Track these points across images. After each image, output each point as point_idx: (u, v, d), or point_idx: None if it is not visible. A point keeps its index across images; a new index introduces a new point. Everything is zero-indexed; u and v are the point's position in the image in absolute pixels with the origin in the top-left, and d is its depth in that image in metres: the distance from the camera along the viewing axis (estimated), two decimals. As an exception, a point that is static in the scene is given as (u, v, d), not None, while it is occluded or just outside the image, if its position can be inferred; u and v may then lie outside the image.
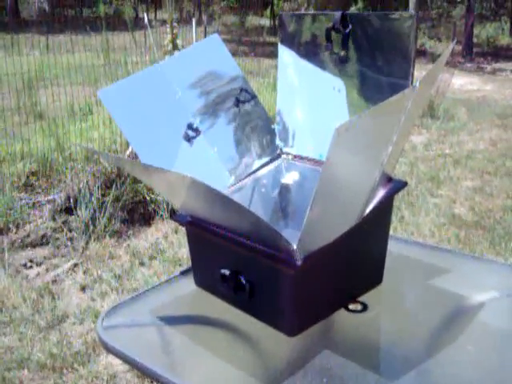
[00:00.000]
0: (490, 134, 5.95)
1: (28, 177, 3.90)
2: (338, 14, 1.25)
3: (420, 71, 1.10)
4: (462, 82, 9.44)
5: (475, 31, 13.98)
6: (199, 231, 1.15)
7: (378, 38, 1.21)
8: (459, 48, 12.61)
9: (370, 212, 1.08)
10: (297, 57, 1.37)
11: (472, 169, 4.76)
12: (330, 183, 0.89)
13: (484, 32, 15.50)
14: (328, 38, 1.28)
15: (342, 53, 1.27)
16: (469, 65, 11.71)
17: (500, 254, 3.17)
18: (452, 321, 1.09)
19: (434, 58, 10.60)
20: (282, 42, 1.38)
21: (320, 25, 1.32)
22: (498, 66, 11.86)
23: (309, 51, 1.35)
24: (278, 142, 1.38)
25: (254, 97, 1.37)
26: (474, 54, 12.71)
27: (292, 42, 1.38)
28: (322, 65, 1.32)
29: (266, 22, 17.13)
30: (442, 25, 15.30)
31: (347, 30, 1.23)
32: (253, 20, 17.53)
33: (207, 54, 1.35)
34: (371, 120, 0.86)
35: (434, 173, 4.63)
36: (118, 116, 1.20)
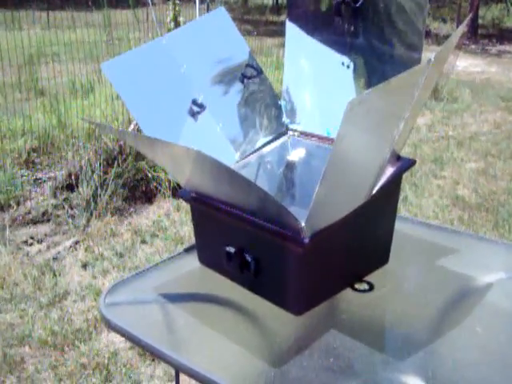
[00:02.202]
0: (494, 117, 5.90)
1: (29, 153, 3.88)
2: (348, -13, 1.22)
3: (425, 52, 1.08)
4: (467, 64, 9.36)
5: (480, 12, 13.83)
6: (204, 207, 1.13)
7: (388, 12, 1.18)
8: (464, 29, 12.48)
9: (379, 190, 1.06)
10: (305, 32, 1.34)
11: (476, 151, 4.72)
12: (341, 158, 0.87)
13: (489, 13, 15.34)
14: (337, 13, 1.25)
15: (352, 28, 1.24)
16: (473, 46, 11.60)
17: (504, 236, 3.16)
18: (459, 301, 1.08)
19: (438, 39, 10.50)
20: (290, 17, 1.35)
21: (329, -1, 1.28)
22: (502, 48, 11.75)
23: (317, 26, 1.32)
24: (284, 118, 1.36)
25: (260, 72, 1.35)
26: (479, 36, 12.60)
27: (300, 17, 1.35)
28: (330, 40, 1.29)
29: (268, 0, 16.96)
30: (447, 6, 15.14)
31: (358, 4, 1.20)
32: (256, -2, 17.37)
33: (213, 27, 1.32)
34: (384, 95, 0.84)
35: (438, 154, 4.60)
36: (121, 89, 1.18)
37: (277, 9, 14.87)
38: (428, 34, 11.39)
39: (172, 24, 4.29)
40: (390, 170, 1.09)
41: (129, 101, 1.19)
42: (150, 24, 4.99)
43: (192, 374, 0.91)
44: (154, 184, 3.66)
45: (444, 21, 13.63)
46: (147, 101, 1.20)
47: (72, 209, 3.36)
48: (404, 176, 1.16)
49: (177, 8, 4.33)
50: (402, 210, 3.43)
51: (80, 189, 3.40)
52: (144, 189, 3.66)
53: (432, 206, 3.58)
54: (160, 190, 3.65)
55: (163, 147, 0.97)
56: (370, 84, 1.25)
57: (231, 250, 1.08)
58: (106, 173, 3.48)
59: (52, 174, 3.62)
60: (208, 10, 6.27)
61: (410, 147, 4.74)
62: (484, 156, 4.60)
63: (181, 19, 4.33)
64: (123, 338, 1.09)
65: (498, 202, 3.66)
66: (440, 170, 4.28)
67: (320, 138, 1.30)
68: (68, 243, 3.08)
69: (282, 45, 1.38)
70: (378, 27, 1.20)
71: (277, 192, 1.32)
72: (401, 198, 3.56)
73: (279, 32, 1.42)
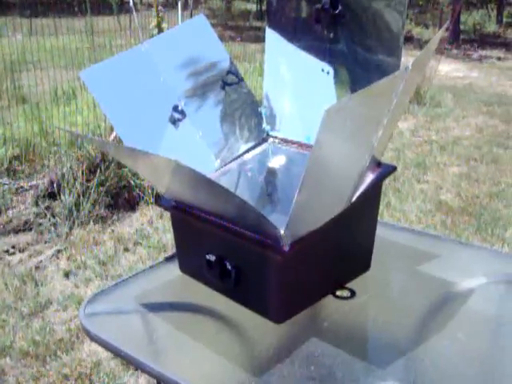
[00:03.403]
0: (476, 121, 5.95)
1: (10, 161, 3.84)
2: (327, -6, 1.22)
3: (406, 57, 1.08)
4: (449, 69, 9.44)
5: (462, 18, 13.96)
6: (184, 216, 1.12)
7: (367, 19, 1.18)
8: (446, 34, 12.59)
9: (359, 197, 1.05)
10: (284, 39, 1.34)
11: (458, 155, 4.76)
12: (319, 166, 0.87)
13: (471, 19, 15.49)
14: (317, 20, 1.25)
15: (331, 34, 1.24)
16: (455, 51, 11.71)
17: (486, 240, 3.17)
18: (441, 307, 1.08)
19: (420, 44, 10.58)
20: (270, 24, 1.35)
21: (309, 6, 1.28)
22: (484, 53, 11.87)
23: (297, 33, 1.32)
24: (264, 125, 1.35)
25: (240, 80, 1.34)
26: (461, 41, 12.71)
27: (280, 23, 1.34)
28: (310, 47, 1.29)
29: (252, 6, 17.00)
30: (429, 11, 15.27)
31: (337, 11, 1.20)
32: (239, 4, 17.41)
33: (193, 34, 1.32)
34: (362, 102, 0.84)
35: (421, 159, 4.63)
36: (100, 97, 1.17)
37: (260, 14, 14.92)
38: (410, 39, 11.49)
39: (155, 31, 4.28)
40: (370, 177, 1.09)
41: (108, 109, 1.18)
42: (133, 31, 4.98)
43: (172, 385, 0.90)
44: (137, 191, 3.64)
45: (426, 26, 13.76)
46: (127, 109, 1.19)
47: (54, 217, 3.33)
48: (387, 181, 1.16)
49: (160, 15, 4.32)
50: (386, 215, 3.44)
51: (62, 197, 3.37)
52: (127, 196, 3.63)
53: (415, 210, 3.59)
54: (143, 198, 3.63)
55: (143, 158, 0.96)
56: (349, 90, 1.25)
57: (211, 258, 1.07)
58: (88, 180, 3.46)
59: (34, 183, 3.59)
60: (192, 16, 6.27)
61: (394, 152, 4.76)
62: (466, 160, 4.63)
63: (164, 26, 4.32)
64: (105, 348, 1.08)
65: (481, 206, 3.68)
66: (423, 174, 4.30)
67: (300, 144, 1.30)
68: (50, 252, 3.05)
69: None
70: (356, 33, 1.21)
71: (258, 199, 1.31)
72: (384, 203, 3.57)
73: (263, 38, 1.43)
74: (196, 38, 1.32)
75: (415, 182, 4.11)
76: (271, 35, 1.35)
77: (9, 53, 4.35)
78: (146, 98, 1.23)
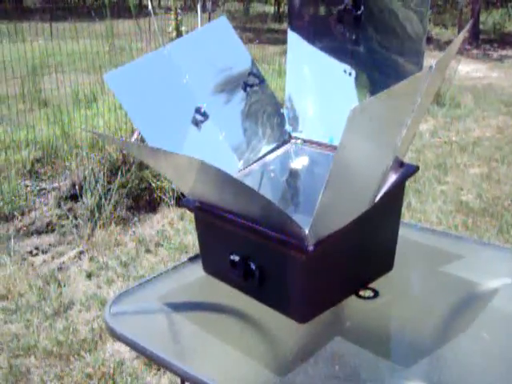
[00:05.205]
0: (496, 121, 5.90)
1: (33, 164, 3.89)
2: (349, -5, 1.22)
3: (426, 58, 1.08)
4: (469, 69, 9.36)
5: (481, 18, 13.84)
6: (208, 216, 1.13)
7: (389, 20, 1.19)
8: (466, 35, 12.46)
9: (383, 197, 1.06)
10: (306, 40, 1.34)
11: (479, 156, 4.72)
12: (344, 166, 0.87)
13: (490, 18, 15.34)
14: (340, 20, 1.26)
15: (354, 36, 1.24)
16: (475, 52, 11.60)
17: (508, 241, 3.15)
18: (464, 307, 1.08)
19: (440, 44, 10.51)
20: (292, 25, 1.36)
21: (331, 7, 1.29)
22: (504, 52, 11.75)
23: (319, 34, 1.32)
24: (287, 126, 1.36)
25: (262, 81, 1.35)
26: (481, 41, 12.60)
27: (302, 25, 1.35)
28: (332, 48, 1.30)
29: (270, 8, 17.03)
30: (448, 11, 15.17)
31: (359, 12, 1.21)
32: (257, 7, 17.44)
33: (215, 36, 1.33)
34: (386, 102, 0.84)
35: (441, 160, 4.60)
36: (124, 100, 1.18)
37: (278, 17, 14.93)
38: (429, 39, 11.41)
39: (174, 33, 4.30)
40: (393, 177, 1.09)
41: (132, 111, 1.19)
42: (152, 34, 5.01)
43: (197, 383, 0.91)
44: (158, 193, 3.66)
45: (445, 26, 13.66)
46: (150, 110, 1.20)
47: (76, 219, 3.36)
48: (408, 182, 1.16)
49: (179, 17, 4.34)
50: (406, 216, 3.43)
51: (84, 199, 3.41)
52: (148, 198, 3.66)
53: (436, 211, 3.57)
54: (164, 200, 3.65)
55: (166, 157, 0.97)
56: (371, 91, 1.25)
57: (235, 258, 1.08)
58: (109, 182, 3.49)
59: (56, 184, 3.63)
60: (210, 19, 6.29)
61: (414, 153, 4.74)
62: (487, 161, 4.59)
63: (183, 28, 4.35)
64: (129, 348, 1.09)
65: (502, 207, 3.65)
66: (443, 175, 4.27)
67: (323, 145, 1.30)
68: (72, 253, 3.09)
69: (284, 52, 1.38)
70: (379, 34, 1.21)
71: (280, 200, 1.32)
72: (404, 203, 3.55)
73: (281, 40, 1.43)
74: (218, 40, 1.33)
75: (436, 183, 4.09)
76: (293, 36, 1.35)
77: (31, 57, 4.40)
78: (169, 99, 1.24)
